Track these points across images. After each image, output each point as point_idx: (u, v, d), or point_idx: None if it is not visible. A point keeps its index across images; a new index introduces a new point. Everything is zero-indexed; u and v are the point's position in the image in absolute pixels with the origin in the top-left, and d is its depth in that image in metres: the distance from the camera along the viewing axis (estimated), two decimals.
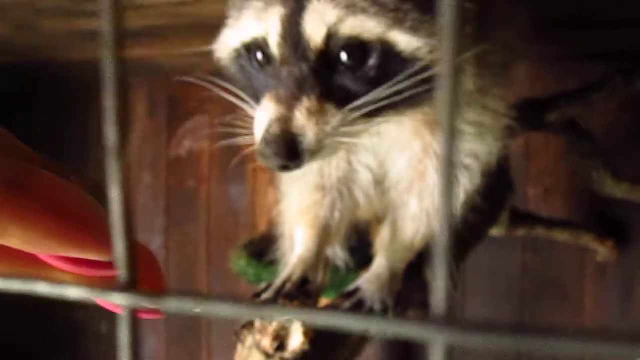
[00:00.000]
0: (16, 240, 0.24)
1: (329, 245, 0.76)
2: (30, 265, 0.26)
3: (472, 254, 1.41)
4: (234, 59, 0.59)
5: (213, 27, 0.63)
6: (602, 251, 1.34)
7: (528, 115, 1.06)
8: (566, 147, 1.16)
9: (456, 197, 0.66)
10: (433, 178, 0.64)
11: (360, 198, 0.72)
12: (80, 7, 1.00)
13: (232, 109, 0.61)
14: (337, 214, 0.71)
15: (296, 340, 0.62)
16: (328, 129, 0.50)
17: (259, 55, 0.55)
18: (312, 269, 0.69)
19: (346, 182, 0.71)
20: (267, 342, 0.62)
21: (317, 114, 0.50)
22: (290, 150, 0.49)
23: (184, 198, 1.72)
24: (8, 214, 0.23)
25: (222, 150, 1.55)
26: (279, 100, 0.51)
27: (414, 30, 0.49)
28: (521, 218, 1.23)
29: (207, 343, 1.76)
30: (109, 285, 0.19)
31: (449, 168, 0.16)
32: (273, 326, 0.61)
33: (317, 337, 0.63)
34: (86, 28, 1.13)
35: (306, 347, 0.62)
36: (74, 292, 0.20)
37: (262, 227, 1.60)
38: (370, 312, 0.71)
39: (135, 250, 0.19)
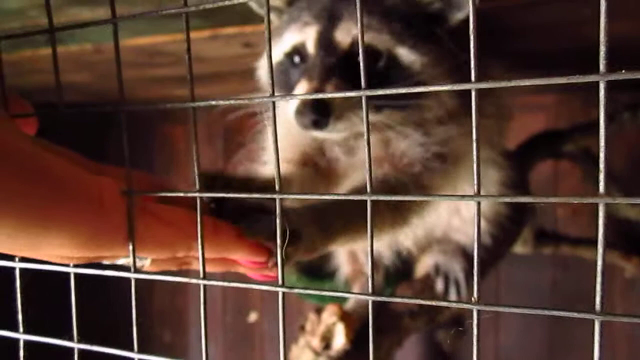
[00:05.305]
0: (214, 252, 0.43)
1: None
2: (229, 264, 0.46)
3: (504, 271, 1.51)
4: (275, 69, 0.69)
5: None
6: (629, 268, 1.41)
7: (547, 145, 1.17)
8: (583, 175, 1.26)
9: None
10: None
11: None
12: (153, 60, 1.20)
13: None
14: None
15: (339, 341, 0.77)
16: (351, 101, 0.63)
17: (297, 58, 0.69)
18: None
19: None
20: (316, 343, 0.76)
21: (342, 90, 0.61)
22: (322, 108, 0.62)
23: None
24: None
25: None
26: (311, 78, 0.64)
27: (412, 49, 0.66)
28: (547, 237, 1.32)
29: (260, 350, 1.92)
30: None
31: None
32: (321, 329, 0.76)
33: (356, 339, 0.77)
34: (153, 74, 1.33)
35: (347, 347, 0.76)
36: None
37: None
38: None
39: None
